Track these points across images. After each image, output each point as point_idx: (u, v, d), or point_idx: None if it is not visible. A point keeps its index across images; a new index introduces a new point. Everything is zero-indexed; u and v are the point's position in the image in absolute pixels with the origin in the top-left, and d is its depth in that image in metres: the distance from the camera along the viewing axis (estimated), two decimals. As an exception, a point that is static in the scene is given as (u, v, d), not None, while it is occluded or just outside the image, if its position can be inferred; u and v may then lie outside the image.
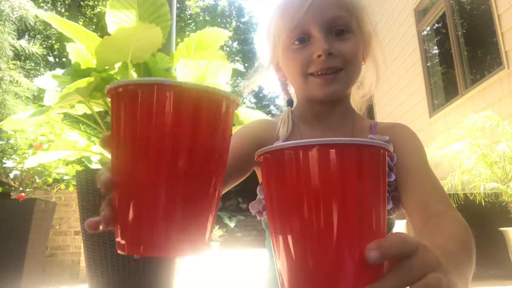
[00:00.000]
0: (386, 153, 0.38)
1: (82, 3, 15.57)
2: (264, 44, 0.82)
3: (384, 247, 0.33)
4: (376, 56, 0.80)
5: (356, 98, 0.85)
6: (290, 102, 0.81)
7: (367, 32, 0.77)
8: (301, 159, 0.35)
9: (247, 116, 2.13)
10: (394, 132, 0.76)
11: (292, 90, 0.84)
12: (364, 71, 0.80)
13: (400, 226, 3.21)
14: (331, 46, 0.68)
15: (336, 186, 0.34)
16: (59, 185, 3.48)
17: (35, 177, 3.11)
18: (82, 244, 2.54)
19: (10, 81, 3.57)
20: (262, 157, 0.40)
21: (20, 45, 3.85)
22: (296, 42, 0.71)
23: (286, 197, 0.37)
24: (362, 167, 0.35)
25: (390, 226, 0.76)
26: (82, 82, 1.68)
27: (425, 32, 5.68)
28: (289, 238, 0.36)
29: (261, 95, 18.85)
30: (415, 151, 0.74)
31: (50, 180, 3.19)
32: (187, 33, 17.88)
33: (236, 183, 0.71)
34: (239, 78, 21.09)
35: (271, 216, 0.39)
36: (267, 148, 0.38)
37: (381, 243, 0.33)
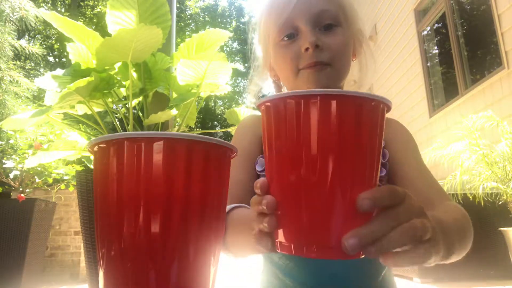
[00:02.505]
0: (385, 108, 0.38)
1: (82, 3, 15.57)
2: (257, 46, 0.83)
3: (375, 197, 0.35)
4: (367, 53, 0.80)
5: None
6: None
7: (357, 29, 0.77)
8: (302, 107, 0.36)
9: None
10: (386, 127, 0.77)
11: (285, 90, 0.84)
12: (357, 69, 0.80)
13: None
14: (318, 39, 0.68)
15: (335, 135, 0.35)
16: (59, 185, 3.48)
17: (35, 177, 3.11)
18: (82, 244, 2.54)
19: (10, 81, 3.57)
20: (263, 106, 0.40)
21: (20, 45, 3.86)
22: (285, 38, 0.71)
23: (285, 144, 0.37)
24: (361, 118, 0.36)
25: None
26: (82, 82, 1.68)
27: (425, 32, 5.68)
28: (286, 185, 0.37)
29: (261, 95, 18.84)
30: (409, 145, 0.75)
31: (50, 180, 3.19)
32: (187, 33, 17.89)
33: None
34: (239, 78, 21.10)
35: (270, 166, 0.40)
36: (269, 96, 0.39)
37: (373, 193, 0.35)
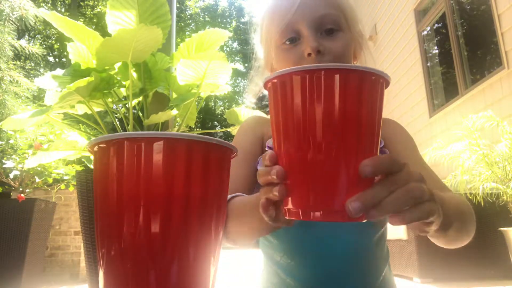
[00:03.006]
0: (385, 82, 0.41)
1: (82, 3, 15.57)
2: (258, 46, 0.84)
3: (376, 164, 0.38)
4: (367, 54, 0.81)
5: None
6: None
7: (358, 31, 0.78)
8: (307, 82, 0.39)
9: (247, 116, 2.14)
10: (384, 127, 0.79)
11: None
12: None
13: (400, 225, 3.21)
14: (320, 44, 0.69)
15: (339, 107, 0.38)
16: (59, 185, 3.48)
17: (35, 177, 3.11)
18: (82, 244, 2.54)
19: (10, 81, 3.57)
20: (270, 83, 0.43)
21: (20, 45, 3.85)
22: (287, 42, 0.72)
23: (291, 117, 0.40)
24: (363, 91, 0.39)
25: (385, 219, 0.76)
26: (82, 82, 1.68)
27: (425, 32, 5.68)
28: (294, 156, 0.40)
29: (261, 95, 18.84)
30: (408, 144, 0.77)
31: (50, 180, 3.19)
32: (187, 33, 17.89)
33: None
34: (239, 78, 21.09)
35: (278, 140, 0.42)
36: (274, 73, 0.41)
37: (374, 160, 0.38)
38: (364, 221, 0.39)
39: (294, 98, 0.39)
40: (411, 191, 0.39)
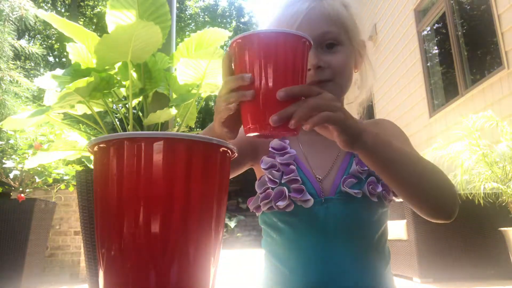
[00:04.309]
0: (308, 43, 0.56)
1: (82, 3, 15.57)
2: None
3: (289, 89, 0.52)
4: (370, 61, 0.84)
5: (354, 104, 0.89)
6: None
7: (359, 42, 0.80)
8: (272, 42, 0.53)
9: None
10: (379, 127, 0.82)
11: None
12: (360, 77, 0.84)
13: (400, 226, 3.21)
14: (320, 60, 0.72)
15: (270, 63, 0.52)
16: (59, 185, 3.48)
17: (35, 177, 3.11)
18: (82, 244, 2.54)
19: (10, 81, 3.57)
20: (234, 43, 0.56)
21: (20, 45, 3.85)
22: None
23: (256, 69, 0.53)
24: (286, 49, 0.53)
25: (385, 218, 0.79)
26: (82, 82, 1.68)
27: (425, 32, 5.68)
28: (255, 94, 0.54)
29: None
30: (400, 138, 0.80)
31: (50, 180, 3.19)
32: (187, 33, 17.87)
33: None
34: (239, 78, 21.02)
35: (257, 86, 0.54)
36: (239, 36, 0.55)
37: (289, 88, 0.52)
38: (290, 135, 0.54)
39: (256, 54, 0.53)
40: (316, 103, 0.53)
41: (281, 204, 0.72)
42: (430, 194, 0.64)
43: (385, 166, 0.61)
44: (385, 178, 0.64)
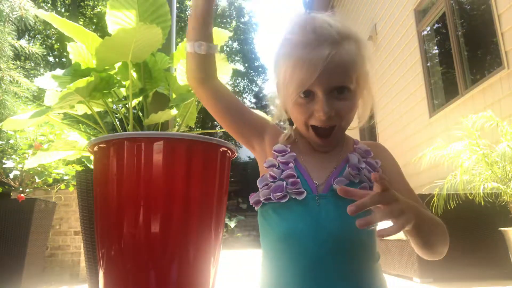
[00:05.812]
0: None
1: (82, 3, 15.56)
2: (274, 83, 0.90)
3: (360, 203, 0.59)
4: (370, 88, 0.87)
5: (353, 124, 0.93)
6: (291, 122, 0.92)
7: (368, 89, 0.85)
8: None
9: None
10: (376, 150, 0.90)
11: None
12: (361, 104, 0.88)
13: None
14: (332, 109, 0.78)
15: None
16: (59, 185, 3.48)
17: (35, 177, 3.11)
18: (82, 244, 2.54)
19: (10, 81, 3.57)
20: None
21: (20, 45, 3.85)
22: (302, 95, 0.79)
23: None
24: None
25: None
26: (82, 82, 1.68)
27: (425, 32, 5.67)
28: None
29: (261, 95, 18.84)
30: (394, 169, 0.88)
31: (50, 180, 3.19)
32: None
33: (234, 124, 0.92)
34: (239, 78, 21.08)
35: None
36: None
37: (360, 201, 0.59)
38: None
39: None
40: (393, 209, 0.60)
41: (278, 194, 0.78)
42: (442, 249, 0.78)
43: (421, 238, 0.72)
44: (415, 243, 0.73)
